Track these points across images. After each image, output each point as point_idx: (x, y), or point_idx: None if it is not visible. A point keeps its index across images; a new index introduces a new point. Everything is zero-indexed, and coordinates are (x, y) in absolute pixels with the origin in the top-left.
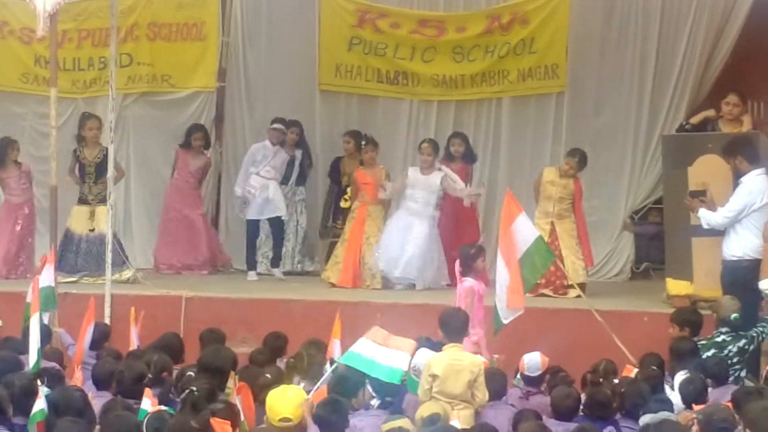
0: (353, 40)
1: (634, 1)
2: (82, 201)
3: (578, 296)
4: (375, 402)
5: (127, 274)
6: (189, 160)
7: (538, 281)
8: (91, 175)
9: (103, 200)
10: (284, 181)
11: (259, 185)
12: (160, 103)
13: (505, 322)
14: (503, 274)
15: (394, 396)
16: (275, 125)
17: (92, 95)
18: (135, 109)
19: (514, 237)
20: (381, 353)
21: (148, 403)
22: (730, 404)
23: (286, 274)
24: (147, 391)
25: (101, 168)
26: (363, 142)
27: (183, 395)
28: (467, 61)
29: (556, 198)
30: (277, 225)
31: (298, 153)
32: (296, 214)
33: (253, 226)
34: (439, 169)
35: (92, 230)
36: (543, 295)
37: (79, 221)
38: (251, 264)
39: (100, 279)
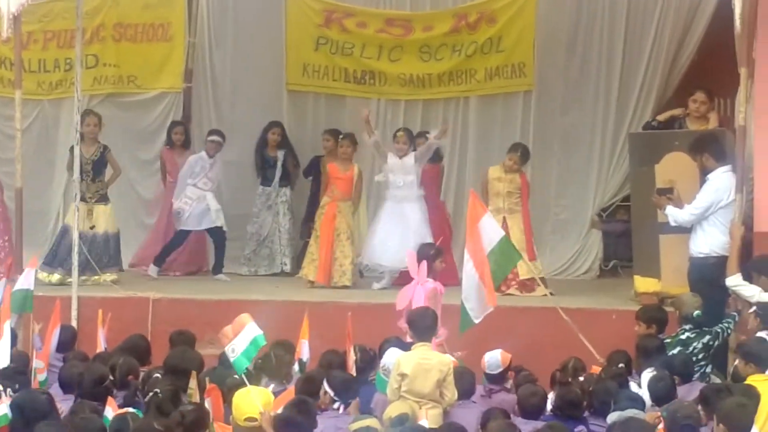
0: (320, 40)
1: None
2: (80, 198)
3: (545, 295)
4: (337, 405)
5: (111, 276)
6: (175, 159)
7: (507, 278)
8: (88, 173)
9: (101, 199)
10: (266, 182)
11: (196, 196)
12: (126, 104)
13: (476, 321)
14: (472, 274)
15: (354, 398)
16: (212, 137)
17: (58, 96)
18: (101, 111)
19: (480, 236)
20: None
21: (110, 411)
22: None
23: (273, 276)
24: (110, 399)
25: (98, 165)
26: (341, 137)
27: (147, 398)
28: (434, 60)
29: (505, 193)
30: (218, 234)
31: (280, 154)
32: (279, 216)
33: (180, 235)
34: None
35: (92, 228)
36: (509, 294)
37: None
38: (159, 261)
39: (102, 277)
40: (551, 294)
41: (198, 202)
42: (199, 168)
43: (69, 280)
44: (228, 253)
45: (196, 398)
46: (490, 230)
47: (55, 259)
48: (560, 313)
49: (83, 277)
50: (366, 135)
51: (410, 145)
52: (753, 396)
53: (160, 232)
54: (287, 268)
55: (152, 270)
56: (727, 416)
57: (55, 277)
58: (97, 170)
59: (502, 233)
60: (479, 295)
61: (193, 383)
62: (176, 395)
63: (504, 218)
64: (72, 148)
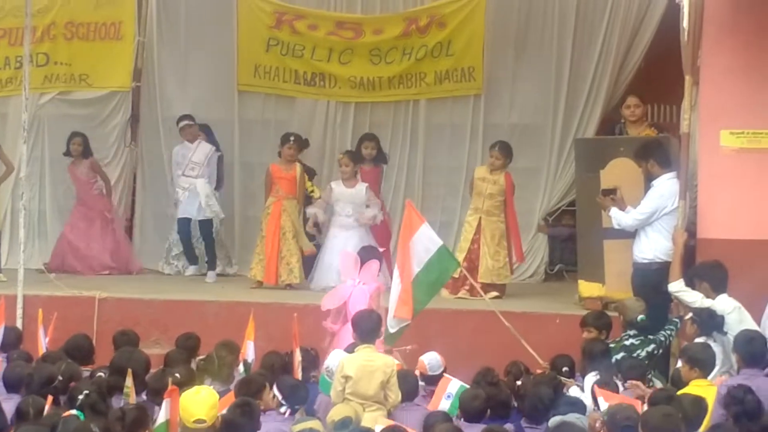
0: (271, 41)
1: (549, 4)
2: None
3: (495, 297)
4: (284, 409)
5: None
6: (76, 171)
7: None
8: None
9: None
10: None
11: (188, 184)
12: (76, 103)
13: (392, 331)
14: (396, 284)
15: (304, 404)
16: (182, 123)
17: (8, 94)
18: (50, 109)
19: (412, 249)
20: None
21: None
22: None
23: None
24: (49, 398)
25: None
26: (291, 138)
27: (80, 399)
28: (384, 63)
29: (486, 194)
30: (206, 226)
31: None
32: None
33: (183, 225)
34: (362, 181)
35: None
36: (461, 298)
37: None
38: (193, 259)
39: None
40: (499, 297)
41: (191, 191)
42: (180, 157)
43: None
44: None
45: (133, 398)
46: (426, 240)
47: None
48: (500, 318)
49: None
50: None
51: (354, 166)
52: (700, 406)
53: (64, 238)
54: (232, 269)
55: (191, 270)
56: (655, 428)
57: None
58: None
59: (440, 242)
60: (394, 304)
61: (129, 381)
62: (109, 393)
63: (480, 218)
64: None
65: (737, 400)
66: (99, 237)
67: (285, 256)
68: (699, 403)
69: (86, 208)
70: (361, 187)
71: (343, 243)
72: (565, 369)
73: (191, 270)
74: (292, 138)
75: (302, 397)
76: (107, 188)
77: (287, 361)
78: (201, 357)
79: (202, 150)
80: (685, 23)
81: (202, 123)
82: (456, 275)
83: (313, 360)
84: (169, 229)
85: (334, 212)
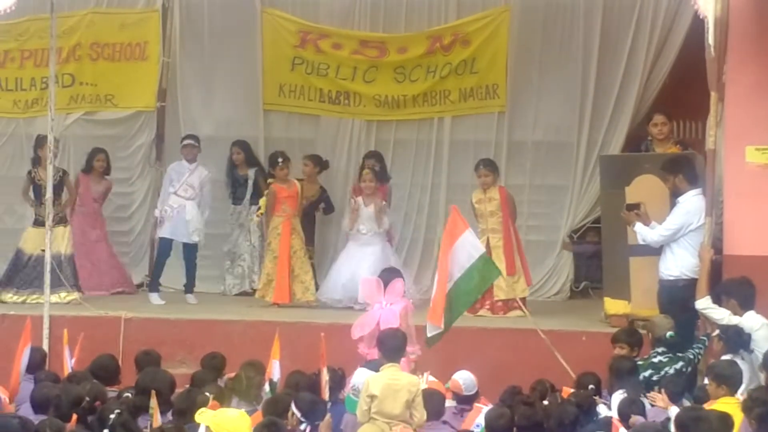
0: (296, 60)
1: (573, 21)
2: (38, 223)
3: (523, 315)
4: (304, 426)
5: (70, 296)
6: (90, 185)
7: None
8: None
9: (60, 221)
10: (237, 201)
11: (177, 205)
12: (102, 123)
13: (429, 335)
14: (434, 289)
15: (321, 419)
16: (185, 141)
17: (33, 115)
18: (76, 130)
19: (454, 255)
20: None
21: None
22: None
23: (241, 294)
24: (74, 417)
25: (57, 189)
26: (280, 159)
27: (112, 419)
28: (409, 82)
29: (488, 213)
30: (190, 250)
31: (251, 172)
32: (249, 234)
33: (164, 245)
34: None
35: (43, 250)
36: (480, 316)
37: (32, 242)
38: (154, 286)
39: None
40: (529, 313)
41: (179, 212)
42: (175, 174)
43: (21, 300)
44: (202, 272)
45: (157, 418)
46: (470, 246)
47: (6, 279)
48: (539, 334)
49: (34, 296)
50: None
51: (376, 182)
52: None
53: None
54: (256, 285)
55: (153, 298)
56: None
57: (8, 296)
58: (56, 194)
59: (483, 250)
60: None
61: (153, 402)
62: (135, 414)
63: (488, 239)
64: (30, 172)
65: (760, 402)
66: (104, 255)
67: (299, 275)
68: (725, 420)
69: (89, 226)
70: (378, 205)
71: (356, 263)
72: (591, 387)
73: (154, 297)
74: (280, 159)
75: (321, 412)
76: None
77: (313, 381)
78: (229, 376)
79: (198, 174)
80: (710, 39)
81: (241, 140)
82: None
83: (340, 380)
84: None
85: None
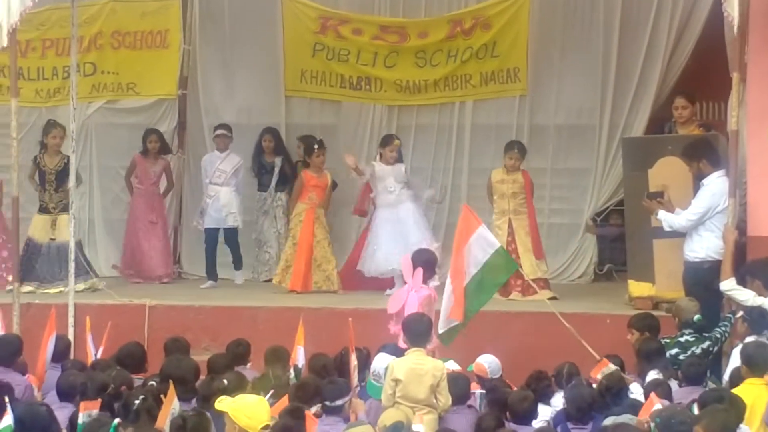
0: (317, 46)
1: (594, 3)
2: (43, 210)
3: (552, 298)
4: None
5: (85, 285)
6: (147, 166)
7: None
8: (52, 183)
9: (64, 209)
10: (262, 188)
11: (214, 193)
12: (124, 112)
13: (441, 331)
14: (449, 287)
15: (343, 402)
16: (218, 131)
17: (55, 104)
18: (98, 118)
19: (468, 252)
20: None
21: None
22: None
23: (269, 281)
24: (98, 401)
25: (62, 176)
26: (316, 146)
27: (137, 404)
28: (430, 66)
29: (509, 194)
30: (230, 234)
31: (278, 160)
32: (275, 221)
33: (210, 235)
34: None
35: (53, 239)
36: (511, 300)
37: (40, 230)
38: (211, 274)
39: (58, 288)
40: (555, 298)
41: (214, 200)
42: (208, 164)
43: (41, 291)
44: (229, 259)
45: (168, 406)
46: (484, 243)
47: (26, 271)
48: (559, 318)
49: (58, 289)
50: (357, 176)
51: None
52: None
53: (130, 238)
54: None
55: (208, 284)
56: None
57: (27, 288)
58: (60, 181)
59: (498, 244)
60: (447, 306)
61: (170, 391)
62: (160, 401)
63: (509, 220)
64: (35, 158)
65: None
66: (160, 241)
67: (321, 264)
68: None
69: (148, 207)
70: (400, 166)
71: (392, 228)
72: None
73: (208, 285)
74: (316, 146)
75: (341, 393)
76: (167, 191)
77: (339, 362)
78: (256, 377)
79: (230, 161)
80: (733, 19)
81: (272, 127)
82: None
83: (365, 359)
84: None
85: (377, 193)
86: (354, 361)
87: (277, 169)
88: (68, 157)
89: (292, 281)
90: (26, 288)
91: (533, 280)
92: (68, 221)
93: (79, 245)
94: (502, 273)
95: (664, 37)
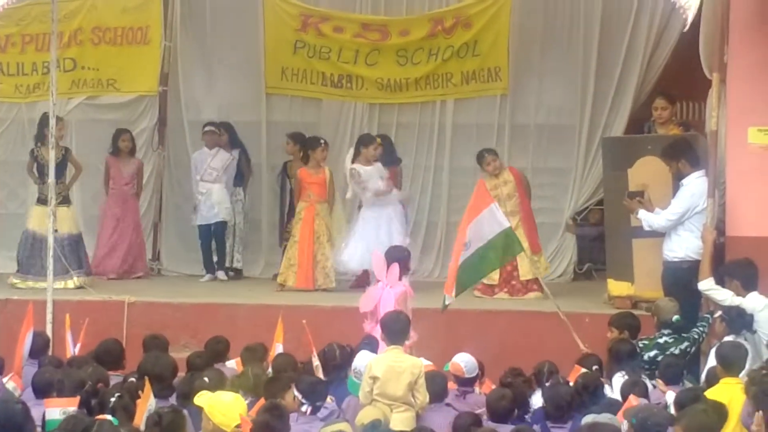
0: (297, 44)
1: (574, 4)
2: (41, 201)
3: (539, 298)
4: (305, 408)
5: (78, 281)
6: (120, 167)
7: (494, 283)
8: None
9: (63, 201)
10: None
11: (205, 190)
12: (104, 108)
13: (447, 303)
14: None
15: (323, 400)
16: (206, 128)
17: (35, 100)
18: (78, 114)
19: (477, 225)
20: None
21: (56, 412)
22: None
23: (226, 270)
24: (76, 399)
25: (60, 168)
26: (323, 141)
27: (112, 402)
28: (411, 64)
29: (504, 196)
30: (218, 229)
31: (235, 153)
32: (234, 215)
33: (203, 232)
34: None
35: (55, 231)
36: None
37: (39, 221)
38: (209, 268)
39: (65, 282)
40: (550, 296)
41: (207, 197)
42: (198, 162)
43: (38, 285)
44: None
45: (144, 404)
46: (493, 221)
47: (24, 265)
48: (560, 315)
49: (61, 283)
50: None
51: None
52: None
53: (104, 239)
54: (239, 264)
55: (215, 276)
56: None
57: (27, 283)
58: (59, 172)
59: (508, 224)
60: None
61: (146, 388)
62: (138, 397)
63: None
64: (32, 151)
65: (757, 381)
66: (134, 239)
67: (320, 261)
68: (720, 408)
69: (121, 208)
70: (378, 164)
71: (374, 228)
72: (595, 368)
73: (207, 278)
74: (322, 141)
75: (322, 393)
76: (139, 191)
77: (306, 363)
78: (235, 375)
79: (220, 157)
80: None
81: (224, 121)
82: (493, 281)
83: (348, 356)
84: (194, 232)
85: (364, 194)
86: (315, 362)
87: (234, 163)
88: (66, 148)
89: (298, 280)
90: (31, 283)
91: (525, 282)
92: (67, 213)
93: (79, 238)
94: (507, 253)
95: (643, 38)
